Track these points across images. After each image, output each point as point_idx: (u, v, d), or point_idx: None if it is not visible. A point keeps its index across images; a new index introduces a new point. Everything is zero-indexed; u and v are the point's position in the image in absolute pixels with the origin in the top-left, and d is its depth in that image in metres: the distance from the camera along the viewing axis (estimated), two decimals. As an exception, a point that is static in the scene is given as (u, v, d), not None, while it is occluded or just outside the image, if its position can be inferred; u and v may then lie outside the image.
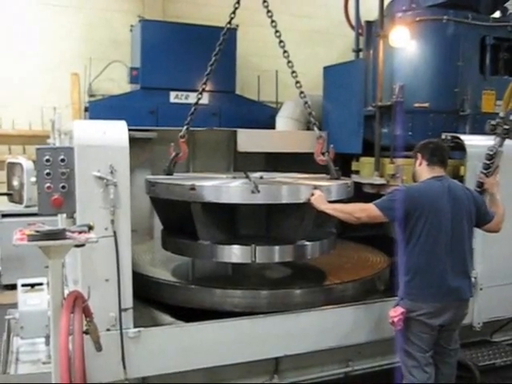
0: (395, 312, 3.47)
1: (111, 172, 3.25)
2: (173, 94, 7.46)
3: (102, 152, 3.25)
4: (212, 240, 3.97)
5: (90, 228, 2.88)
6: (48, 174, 3.17)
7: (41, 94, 7.56)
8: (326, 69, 6.43)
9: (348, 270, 4.71)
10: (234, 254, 3.92)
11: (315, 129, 4.59)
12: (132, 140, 5.60)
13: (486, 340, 4.97)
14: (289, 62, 4.59)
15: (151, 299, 4.20)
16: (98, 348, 3.15)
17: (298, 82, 4.65)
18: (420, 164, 3.74)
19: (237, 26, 7.87)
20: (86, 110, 7.30)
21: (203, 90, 4.56)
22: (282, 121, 6.74)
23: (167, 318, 4.04)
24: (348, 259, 5.08)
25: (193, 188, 3.77)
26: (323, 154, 4.50)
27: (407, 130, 5.22)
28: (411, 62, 5.36)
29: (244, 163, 6.04)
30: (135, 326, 3.52)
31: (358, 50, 6.34)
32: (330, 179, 4.44)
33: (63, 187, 3.20)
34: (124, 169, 3.31)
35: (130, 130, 5.56)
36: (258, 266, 4.47)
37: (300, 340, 3.97)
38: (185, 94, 7.49)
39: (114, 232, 3.29)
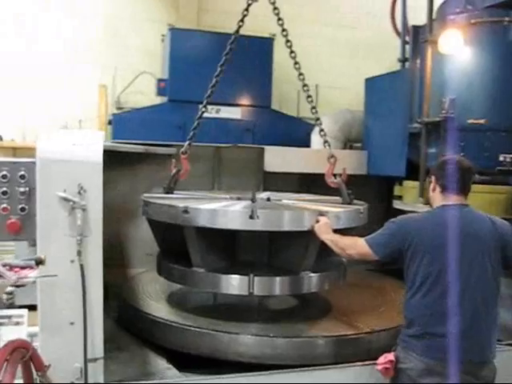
0: (384, 359, 3.01)
1: (79, 193, 2.68)
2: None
3: (69, 168, 2.69)
4: (207, 268, 3.60)
5: (40, 262, 2.30)
6: (4, 192, 2.67)
7: (66, 106, 7.20)
8: (368, 81, 5.83)
9: (382, 314, 4.02)
10: (230, 284, 3.55)
11: (327, 147, 4.19)
12: (149, 155, 5.33)
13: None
14: (296, 62, 4.18)
15: (146, 339, 3.70)
16: (54, 408, 2.57)
17: (305, 85, 4.23)
18: (434, 189, 3.09)
19: (274, 35, 7.38)
20: (110, 123, 6.90)
21: (207, 103, 4.24)
22: (318, 138, 6.07)
23: (162, 362, 3.48)
24: (383, 300, 4.39)
25: (186, 211, 3.38)
26: (335, 175, 4.13)
27: (459, 150, 4.53)
28: (464, 72, 4.69)
29: (274, 184, 5.54)
30: (108, 379, 2.92)
31: (404, 60, 5.72)
32: (341, 204, 4.02)
33: (22, 209, 2.68)
34: (96, 189, 2.73)
35: (146, 144, 5.32)
36: (269, 301, 4.09)
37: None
38: (215, 107, 7.00)
39: (81, 265, 2.71)
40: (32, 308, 3.79)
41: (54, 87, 7.26)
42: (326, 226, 3.39)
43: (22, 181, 2.69)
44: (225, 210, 3.49)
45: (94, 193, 2.74)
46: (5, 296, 4.22)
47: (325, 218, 3.44)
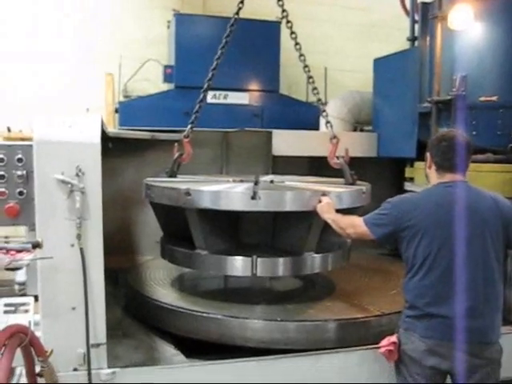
0: (387, 341, 2.98)
1: (77, 175, 2.63)
2: (210, 94, 6.82)
3: (67, 150, 2.63)
4: (210, 250, 3.57)
5: (37, 246, 2.25)
6: (1, 176, 2.62)
7: (73, 96, 7.14)
8: (377, 61, 5.70)
9: (393, 297, 3.90)
10: (233, 265, 3.52)
11: (329, 128, 4.17)
12: (157, 142, 5.27)
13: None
14: (296, 43, 4.22)
15: (153, 325, 3.66)
16: (57, 394, 2.53)
17: (306, 66, 4.22)
18: (429, 167, 3.00)
19: (281, 18, 7.24)
20: (117, 111, 6.83)
21: (208, 86, 4.22)
22: (327, 121, 6.00)
23: (170, 349, 3.43)
24: (395, 283, 4.26)
25: (188, 193, 3.35)
26: (337, 157, 4.11)
27: (471, 129, 4.40)
28: (475, 48, 4.51)
29: (283, 168, 5.44)
30: (111, 366, 2.87)
31: (413, 39, 5.54)
32: (344, 184, 3.97)
33: (20, 193, 2.63)
34: (94, 171, 2.67)
35: (152, 131, 5.26)
36: (275, 281, 4.08)
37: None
38: (223, 93, 6.93)
39: (81, 249, 2.66)
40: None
41: (60, 77, 7.20)
42: (329, 206, 3.33)
43: (20, 164, 2.64)
44: (226, 192, 3.44)
45: (92, 175, 2.68)
46: (17, 287, 4.20)
47: (327, 197, 3.39)
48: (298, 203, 3.40)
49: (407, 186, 5.19)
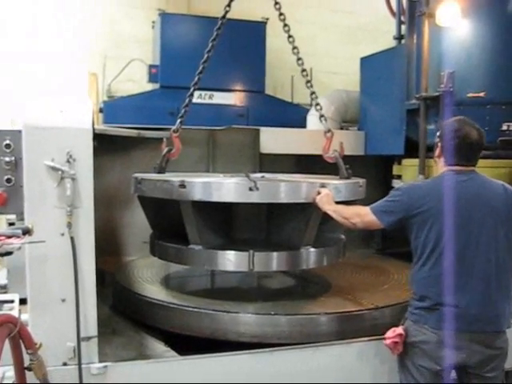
0: (393, 333, 2.90)
1: (68, 161, 2.55)
2: (196, 94, 6.79)
3: (58, 135, 2.55)
4: (205, 245, 3.48)
5: (27, 232, 2.16)
6: (-12, 163, 2.51)
7: (56, 95, 7.02)
8: (364, 59, 5.71)
9: (386, 291, 3.93)
10: (229, 260, 3.42)
11: (323, 122, 4.14)
12: (143, 140, 5.19)
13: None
14: (294, 47, 4.14)
15: (142, 322, 3.58)
16: (46, 388, 2.43)
17: (304, 70, 4.16)
18: (439, 156, 2.97)
19: (267, 19, 7.25)
20: (101, 111, 6.73)
21: (195, 89, 4.26)
22: (314, 119, 5.98)
23: (160, 346, 3.34)
24: (386, 279, 4.31)
25: (182, 185, 3.26)
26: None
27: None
28: (463, 45, 4.51)
29: (271, 166, 5.42)
30: (102, 360, 2.78)
31: (399, 37, 5.58)
32: (339, 179, 3.91)
33: (8, 180, 2.55)
34: (86, 157, 2.60)
35: (139, 128, 5.18)
36: (266, 279, 4.06)
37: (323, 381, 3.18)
38: (209, 93, 6.89)
39: (72, 238, 2.58)
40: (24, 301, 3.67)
41: (42, 76, 7.06)
42: (328, 197, 3.29)
43: (8, 150, 2.56)
44: (222, 183, 3.38)
45: (83, 161, 2.61)
46: (-3, 290, 4.07)
47: (326, 189, 3.34)
48: (297, 195, 3.35)
49: (395, 183, 5.17)
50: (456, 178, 2.83)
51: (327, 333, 3.35)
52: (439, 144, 2.96)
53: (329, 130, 4.07)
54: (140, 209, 3.99)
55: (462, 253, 2.73)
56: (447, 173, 2.88)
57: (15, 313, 3.17)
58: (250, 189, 3.16)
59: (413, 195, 2.86)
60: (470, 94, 4.47)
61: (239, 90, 7.01)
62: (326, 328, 3.37)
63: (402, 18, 5.54)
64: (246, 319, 3.31)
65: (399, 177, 5.18)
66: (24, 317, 2.78)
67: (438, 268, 2.75)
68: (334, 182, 3.54)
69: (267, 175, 4.22)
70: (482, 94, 4.45)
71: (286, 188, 3.35)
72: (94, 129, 2.80)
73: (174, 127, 4.05)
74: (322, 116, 4.11)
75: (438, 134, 3.04)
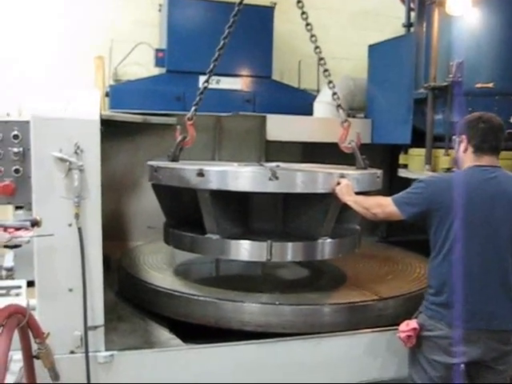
0: (407, 326, 2.91)
1: (76, 152, 2.56)
2: (202, 79, 6.75)
3: (65, 126, 2.56)
4: (221, 234, 3.45)
5: (35, 224, 2.18)
6: (-3, 153, 2.52)
7: (63, 80, 6.99)
8: (372, 47, 5.65)
9: (389, 282, 3.94)
10: (247, 250, 3.40)
11: (340, 112, 4.10)
12: (149, 126, 5.18)
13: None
14: (312, 35, 4.11)
15: (148, 309, 3.61)
16: (54, 377, 2.49)
17: (321, 59, 4.15)
18: (465, 150, 2.92)
19: (274, 4, 7.18)
20: (107, 94, 6.70)
21: (210, 76, 4.17)
22: (321, 107, 6.00)
23: (165, 333, 3.38)
24: (391, 269, 4.32)
25: (201, 173, 3.24)
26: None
27: (466, 115, 4.33)
28: (473, 34, 4.46)
29: (277, 154, 5.42)
30: (108, 348, 2.82)
31: (409, 25, 5.51)
32: (356, 169, 3.89)
33: (16, 171, 2.55)
34: (93, 149, 2.61)
35: (145, 114, 5.17)
36: (273, 269, 4.04)
37: (328, 372, 3.22)
38: (216, 78, 6.79)
39: (79, 229, 2.60)
40: (32, 284, 3.69)
41: (49, 59, 7.04)
42: (348, 188, 3.28)
43: (16, 141, 2.56)
44: (242, 171, 3.34)
45: (91, 152, 2.61)
46: (4, 272, 4.10)
47: (346, 179, 3.32)
48: (316, 185, 3.33)
49: (401, 172, 5.18)
50: (482, 175, 2.80)
51: (331, 323, 3.36)
52: (463, 137, 2.92)
53: (346, 120, 4.04)
54: (145, 194, 4.00)
55: (482, 250, 2.72)
56: (473, 168, 2.85)
57: (23, 299, 3.23)
58: (270, 178, 3.15)
59: (437, 189, 2.84)
60: (479, 85, 4.44)
61: (246, 75, 6.93)
62: (330, 318, 3.39)
63: (412, 5, 5.48)
64: (250, 308, 3.33)
65: (405, 166, 5.18)
66: (32, 302, 2.84)
67: (457, 264, 2.73)
68: (352, 172, 3.52)
69: (282, 164, 4.20)
70: (490, 85, 4.42)
71: (305, 178, 3.32)
72: (100, 115, 2.81)
73: (188, 114, 3.99)
74: (339, 106, 4.06)
75: (458, 130, 3.01)
